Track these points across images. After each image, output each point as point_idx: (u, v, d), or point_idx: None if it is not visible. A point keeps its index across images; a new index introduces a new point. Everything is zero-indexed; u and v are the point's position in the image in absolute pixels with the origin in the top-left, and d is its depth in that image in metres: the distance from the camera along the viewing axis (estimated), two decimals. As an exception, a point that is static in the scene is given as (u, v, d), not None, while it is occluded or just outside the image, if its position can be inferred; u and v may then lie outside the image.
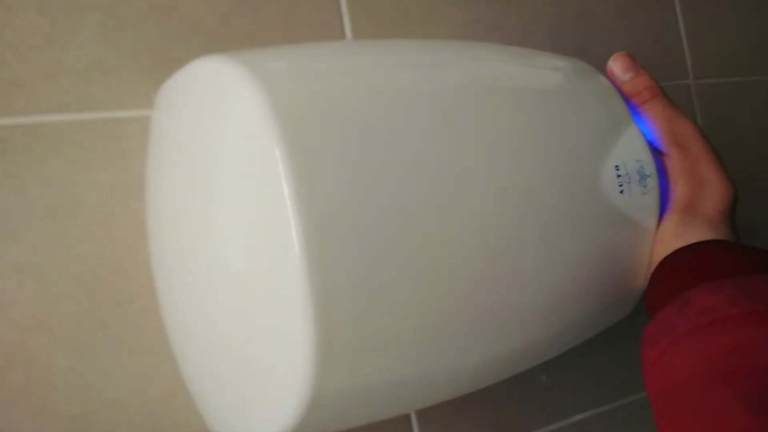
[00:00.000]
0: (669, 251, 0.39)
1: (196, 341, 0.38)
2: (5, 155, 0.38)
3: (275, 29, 0.45)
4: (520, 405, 0.52)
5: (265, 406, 0.34)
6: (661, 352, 0.34)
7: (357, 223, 0.31)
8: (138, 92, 0.41)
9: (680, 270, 0.38)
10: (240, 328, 0.34)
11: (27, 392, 0.37)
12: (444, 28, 0.51)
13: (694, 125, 0.43)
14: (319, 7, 0.47)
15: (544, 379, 0.53)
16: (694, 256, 0.38)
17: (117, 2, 0.41)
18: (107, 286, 0.39)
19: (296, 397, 0.31)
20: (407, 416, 0.47)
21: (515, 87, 0.39)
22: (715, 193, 0.41)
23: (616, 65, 0.43)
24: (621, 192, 0.39)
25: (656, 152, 0.42)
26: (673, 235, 0.40)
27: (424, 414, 0.48)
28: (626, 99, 0.43)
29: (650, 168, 0.40)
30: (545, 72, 0.41)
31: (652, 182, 0.40)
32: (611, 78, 0.44)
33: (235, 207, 0.34)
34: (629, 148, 0.40)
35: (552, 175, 0.37)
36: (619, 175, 0.39)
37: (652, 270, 0.40)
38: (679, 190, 0.41)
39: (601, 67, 0.44)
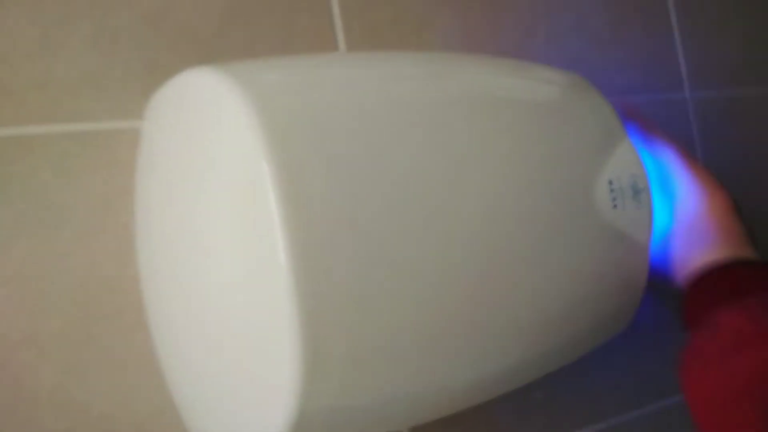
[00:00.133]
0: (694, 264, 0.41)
1: (184, 353, 0.38)
2: (-7, 166, 0.37)
3: (269, 39, 0.45)
4: (515, 422, 0.51)
5: (253, 422, 0.34)
6: (695, 377, 0.38)
7: (345, 237, 0.31)
8: (129, 103, 0.41)
9: (709, 290, 0.41)
10: (228, 341, 0.34)
11: (13, 408, 0.37)
12: (438, 38, 0.51)
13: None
14: (313, 18, 0.47)
15: (539, 395, 0.52)
16: (722, 275, 0.40)
17: (109, 12, 0.41)
18: (95, 300, 0.39)
19: (284, 413, 0.31)
20: (399, 433, 0.47)
21: (508, 101, 0.39)
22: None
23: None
24: (615, 207, 0.39)
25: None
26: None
27: (417, 431, 0.47)
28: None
29: (644, 182, 0.40)
30: (539, 86, 0.41)
31: (646, 196, 0.40)
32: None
33: (224, 220, 0.34)
34: (623, 163, 0.40)
35: (545, 190, 0.37)
36: (612, 190, 0.39)
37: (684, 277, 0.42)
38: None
39: (596, 80, 0.44)
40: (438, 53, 0.48)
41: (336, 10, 0.47)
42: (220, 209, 0.34)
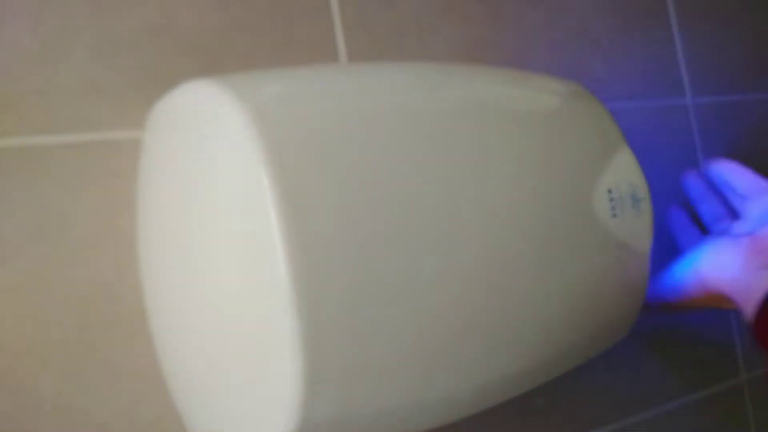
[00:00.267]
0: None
1: (185, 362, 0.38)
2: (-5, 176, 0.38)
3: (270, 49, 0.45)
4: (515, 428, 0.52)
5: (254, 432, 0.34)
6: None
7: (346, 250, 0.31)
8: (130, 113, 0.41)
9: None
10: (228, 352, 0.34)
11: (15, 416, 0.37)
12: (439, 47, 0.51)
13: None
14: (314, 28, 0.47)
15: (540, 401, 0.53)
16: None
17: (110, 22, 0.41)
18: (97, 308, 0.39)
19: (285, 424, 0.31)
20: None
21: (508, 111, 0.39)
22: None
23: None
24: (614, 216, 0.39)
25: None
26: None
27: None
28: None
29: (643, 191, 0.40)
30: (538, 95, 0.41)
31: (645, 205, 0.40)
32: None
33: (224, 231, 0.34)
34: (622, 172, 0.40)
35: (545, 200, 0.37)
36: (612, 199, 0.39)
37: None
38: None
39: (598, 87, 0.44)
40: (438, 63, 0.49)
41: (337, 19, 0.48)
42: (220, 220, 0.34)
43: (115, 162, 0.40)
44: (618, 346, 0.45)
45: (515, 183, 0.36)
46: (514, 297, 0.36)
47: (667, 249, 0.53)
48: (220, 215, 0.34)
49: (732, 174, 0.52)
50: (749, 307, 0.41)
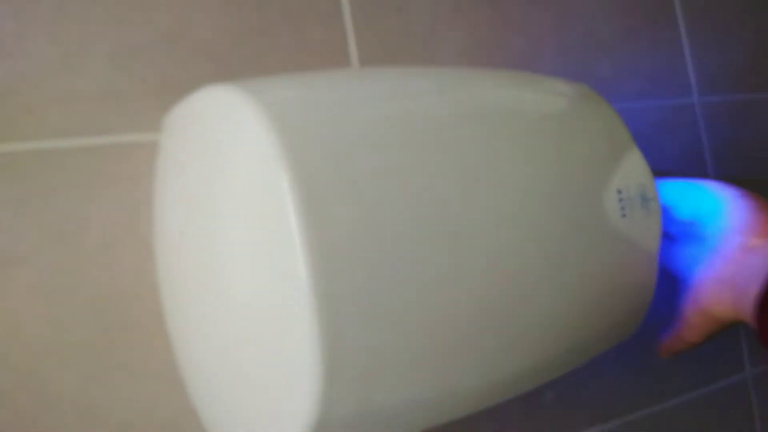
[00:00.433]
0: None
1: (204, 363, 0.39)
2: (16, 180, 0.38)
3: (283, 54, 0.46)
4: (525, 422, 0.52)
5: (272, 429, 0.35)
6: None
7: (364, 251, 0.32)
8: (147, 118, 0.42)
9: None
10: (247, 351, 0.35)
11: (36, 415, 0.38)
12: (449, 50, 0.52)
13: None
14: (326, 32, 0.47)
15: (549, 395, 0.53)
16: None
17: (128, 30, 0.42)
18: (116, 309, 0.40)
19: (303, 420, 0.32)
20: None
21: (519, 113, 0.39)
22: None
23: None
24: (624, 216, 0.39)
25: None
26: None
27: (429, 433, 0.48)
28: None
29: (652, 191, 0.41)
30: (548, 98, 0.42)
31: (654, 205, 0.41)
32: None
33: (242, 231, 0.34)
34: (631, 172, 0.40)
35: (556, 200, 0.38)
36: (621, 199, 0.39)
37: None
38: None
39: (606, 88, 0.45)
40: (448, 67, 0.49)
41: (349, 25, 0.48)
42: (238, 221, 0.34)
43: (132, 165, 0.41)
44: (625, 341, 0.46)
45: (527, 184, 0.37)
46: (527, 295, 0.37)
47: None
48: (239, 216, 0.34)
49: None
50: (749, 300, 0.41)
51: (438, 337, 0.34)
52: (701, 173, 0.62)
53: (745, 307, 0.41)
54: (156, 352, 0.41)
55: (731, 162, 0.64)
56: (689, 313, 0.46)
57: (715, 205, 0.47)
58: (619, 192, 0.40)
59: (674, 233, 0.50)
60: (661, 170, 0.46)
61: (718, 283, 0.44)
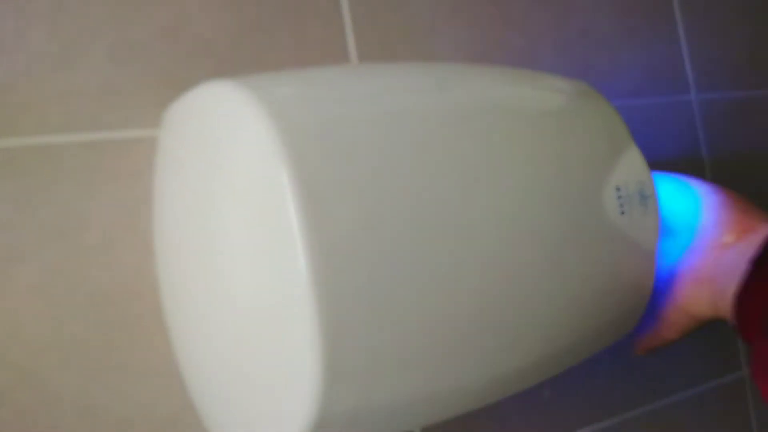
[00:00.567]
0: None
1: (204, 362, 0.39)
2: (15, 176, 0.38)
3: (282, 50, 0.46)
4: (523, 419, 0.52)
5: (273, 427, 0.35)
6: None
7: (363, 245, 0.32)
8: (146, 113, 0.41)
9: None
10: (247, 350, 0.35)
11: (36, 414, 0.38)
12: (447, 46, 0.52)
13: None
14: (325, 27, 0.47)
15: (547, 393, 0.53)
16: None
17: (127, 25, 0.41)
18: (115, 306, 0.40)
19: (303, 417, 0.32)
20: (411, 432, 0.48)
21: (517, 110, 0.40)
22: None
23: None
24: (622, 213, 0.39)
25: None
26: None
27: (428, 430, 0.48)
28: None
29: (650, 189, 0.41)
30: (547, 95, 0.42)
31: (653, 202, 0.41)
32: None
33: (242, 227, 0.34)
34: (630, 170, 0.40)
35: (555, 198, 0.38)
36: (620, 197, 0.40)
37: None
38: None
39: (604, 84, 0.45)
40: (447, 63, 0.49)
41: (347, 20, 0.48)
42: (238, 219, 0.34)
43: (132, 161, 0.41)
44: (622, 338, 0.46)
45: (527, 181, 0.37)
46: (526, 292, 0.37)
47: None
48: (238, 214, 0.34)
49: None
50: (727, 298, 0.41)
51: (437, 335, 0.34)
52: (698, 170, 0.63)
53: (724, 306, 0.41)
54: (156, 350, 0.41)
55: (728, 159, 0.64)
56: (666, 310, 0.46)
57: (689, 201, 0.47)
58: (618, 189, 0.40)
59: None
60: (657, 167, 0.46)
61: (695, 281, 0.44)
